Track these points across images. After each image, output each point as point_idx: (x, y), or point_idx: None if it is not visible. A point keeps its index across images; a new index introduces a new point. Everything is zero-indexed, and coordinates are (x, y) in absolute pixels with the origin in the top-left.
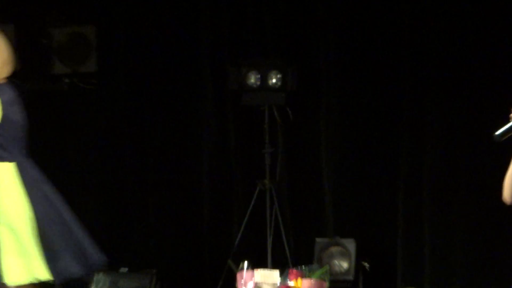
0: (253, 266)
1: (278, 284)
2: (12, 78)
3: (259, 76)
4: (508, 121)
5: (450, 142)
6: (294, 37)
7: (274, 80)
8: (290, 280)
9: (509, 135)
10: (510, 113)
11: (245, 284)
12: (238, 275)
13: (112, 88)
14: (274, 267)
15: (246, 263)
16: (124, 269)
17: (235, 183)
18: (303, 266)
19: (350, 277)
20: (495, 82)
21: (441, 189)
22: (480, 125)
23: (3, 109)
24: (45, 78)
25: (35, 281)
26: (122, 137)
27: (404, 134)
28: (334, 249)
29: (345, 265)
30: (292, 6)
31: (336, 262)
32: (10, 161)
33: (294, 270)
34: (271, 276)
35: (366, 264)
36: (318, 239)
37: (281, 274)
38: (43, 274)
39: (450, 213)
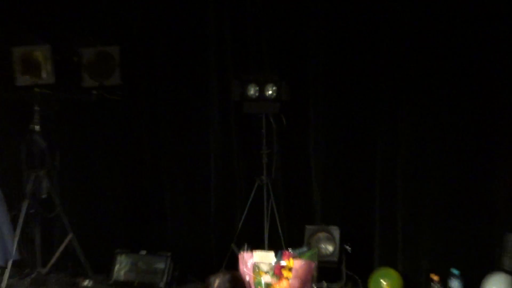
0: (252, 248)
1: (273, 264)
2: (49, 90)
3: (257, 88)
4: None
5: (420, 143)
6: (287, 56)
7: (270, 92)
8: (283, 260)
9: None
10: None
11: (246, 264)
12: (240, 256)
13: (134, 99)
14: (270, 249)
15: (246, 245)
16: (143, 252)
17: (237, 179)
18: (295, 248)
19: (335, 259)
20: (457, 87)
21: (412, 186)
22: (446, 126)
23: None
24: (77, 90)
25: None
26: (142, 140)
27: (380, 138)
28: (321, 234)
29: (330, 248)
30: (286, 30)
31: (322, 245)
32: None
33: (287, 252)
34: (267, 256)
35: (348, 248)
36: (307, 226)
37: (276, 255)
38: None
39: (419, 205)
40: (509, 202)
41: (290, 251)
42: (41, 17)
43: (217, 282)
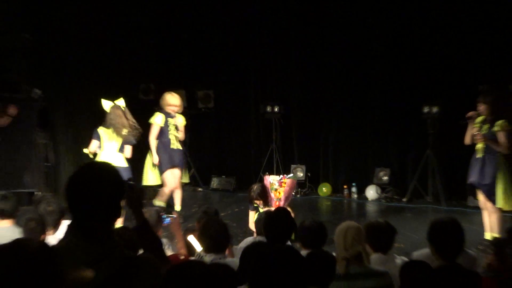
0: (269, 174)
1: (278, 180)
2: (184, 108)
3: (270, 107)
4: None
5: (342, 123)
6: (283, 93)
7: (276, 109)
8: (282, 179)
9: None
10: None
11: (267, 180)
12: (264, 177)
13: (219, 112)
14: (276, 174)
15: (267, 173)
16: (223, 176)
17: (262, 145)
18: (287, 174)
19: (303, 179)
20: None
21: (336, 144)
22: (353, 110)
23: None
24: (195, 108)
25: None
26: (222, 129)
27: (322, 129)
28: (298, 168)
29: (301, 174)
30: (283, 83)
31: (298, 173)
32: None
33: (284, 176)
34: (276, 177)
35: (309, 174)
36: (292, 165)
37: (279, 177)
38: None
39: (339, 153)
40: (377, 149)
41: (285, 175)
42: (180, 76)
43: (255, 187)
